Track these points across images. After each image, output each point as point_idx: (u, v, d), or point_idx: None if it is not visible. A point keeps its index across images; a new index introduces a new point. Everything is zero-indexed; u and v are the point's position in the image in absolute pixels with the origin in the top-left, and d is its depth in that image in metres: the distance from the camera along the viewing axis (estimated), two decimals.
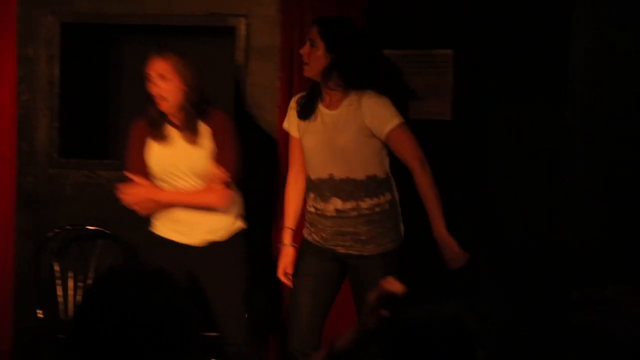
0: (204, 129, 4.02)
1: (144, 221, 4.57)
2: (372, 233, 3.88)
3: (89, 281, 4.71)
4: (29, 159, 4.91)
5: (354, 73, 3.89)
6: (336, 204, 3.89)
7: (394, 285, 2.16)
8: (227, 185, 4.05)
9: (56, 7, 4.82)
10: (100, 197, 4.85)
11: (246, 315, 4.20)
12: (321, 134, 3.90)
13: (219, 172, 4.04)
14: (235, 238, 4.17)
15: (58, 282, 4.78)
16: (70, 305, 4.75)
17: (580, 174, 4.52)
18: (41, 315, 4.75)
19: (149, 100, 4.03)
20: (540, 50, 4.48)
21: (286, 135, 4.22)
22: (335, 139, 3.87)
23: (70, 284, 4.77)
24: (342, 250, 3.93)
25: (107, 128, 5.25)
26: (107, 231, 4.76)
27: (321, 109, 3.91)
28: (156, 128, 4.07)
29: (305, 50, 3.89)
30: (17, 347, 4.87)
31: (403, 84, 4.50)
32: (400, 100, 4.16)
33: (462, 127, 4.54)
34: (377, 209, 3.88)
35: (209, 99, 4.07)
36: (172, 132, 4.05)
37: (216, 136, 4.05)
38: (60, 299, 4.78)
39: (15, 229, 4.88)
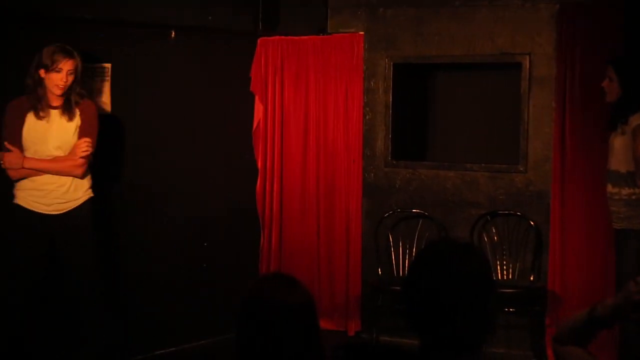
0: (77, 112, 4.72)
1: (447, 205, 5.73)
2: (628, 213, 4.83)
3: (414, 249, 5.89)
4: (371, 161, 6.08)
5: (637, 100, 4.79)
6: (609, 188, 4.90)
7: None
8: (85, 157, 4.71)
9: (390, 52, 6.00)
10: (421, 188, 5.95)
11: (98, 278, 4.77)
12: (612, 136, 4.88)
13: (83, 145, 4.70)
14: (85, 204, 4.78)
15: (392, 249, 6.01)
16: (401, 266, 5.95)
17: None
18: (380, 273, 5.98)
19: (36, 85, 4.62)
20: None
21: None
22: (612, 141, 4.89)
23: (400, 250, 5.99)
24: (613, 226, 4.93)
25: (425, 138, 6.40)
26: (426, 213, 5.89)
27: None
28: (38, 107, 4.64)
29: (605, 83, 4.92)
30: (364, 294, 6.02)
31: None
32: None
33: None
34: (633, 197, 4.80)
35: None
36: (51, 112, 4.67)
37: (83, 119, 4.73)
38: (394, 261, 5.98)
39: (362, 211, 6.08)
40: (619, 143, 4.86)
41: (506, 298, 5.44)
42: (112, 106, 5.41)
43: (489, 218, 5.80)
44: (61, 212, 4.76)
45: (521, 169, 5.74)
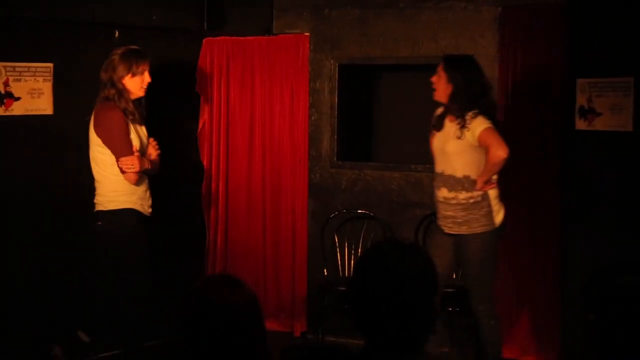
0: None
1: (392, 205, 5.70)
2: (466, 218, 4.75)
3: (360, 250, 5.91)
4: (317, 161, 6.12)
5: (467, 98, 4.67)
6: (444, 193, 4.82)
7: None
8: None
9: (335, 53, 6.05)
10: (367, 189, 6.00)
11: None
12: (441, 141, 4.79)
13: (155, 145, 4.96)
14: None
15: (337, 249, 6.03)
16: (346, 266, 5.98)
17: None
18: (326, 273, 5.99)
19: (122, 93, 4.73)
20: None
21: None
22: (445, 146, 4.78)
23: (346, 251, 6.02)
24: (446, 230, 4.84)
25: (371, 139, 6.44)
26: (371, 214, 5.93)
27: (446, 122, 4.77)
28: (129, 113, 4.78)
29: (434, 78, 4.79)
30: (310, 295, 6.07)
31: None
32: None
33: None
34: (471, 200, 4.71)
35: None
36: (137, 117, 4.87)
37: (145, 122, 4.93)
38: (340, 262, 6.02)
39: (307, 211, 6.10)
40: (454, 147, 4.75)
41: (449, 297, 5.47)
42: (54, 107, 5.34)
43: (434, 218, 5.65)
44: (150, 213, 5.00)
45: None
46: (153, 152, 4.96)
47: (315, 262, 6.10)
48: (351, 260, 6.01)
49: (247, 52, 6.16)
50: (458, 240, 4.82)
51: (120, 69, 4.78)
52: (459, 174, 4.75)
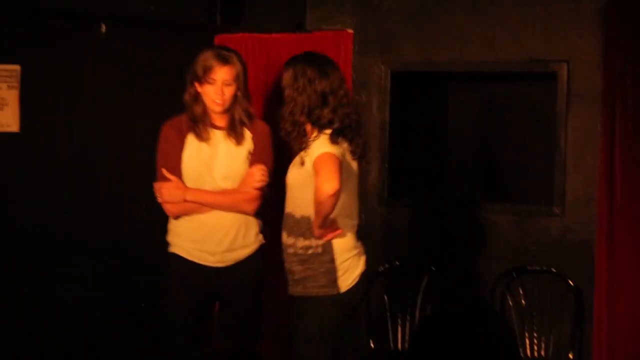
0: (247, 134, 4.69)
1: (460, 256, 5.48)
2: (302, 274, 4.34)
3: (417, 315, 5.66)
4: (362, 198, 5.41)
5: (299, 111, 4.38)
6: (283, 237, 4.40)
7: None
8: (261, 190, 4.64)
9: (387, 57, 5.85)
10: (426, 235, 5.84)
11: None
12: (289, 169, 4.45)
13: (257, 174, 4.66)
14: (257, 253, 4.78)
15: (388, 314, 5.75)
16: (399, 337, 5.76)
17: None
18: (373, 346, 5.77)
19: (193, 101, 4.69)
20: None
21: None
22: (288, 174, 4.41)
23: (399, 316, 5.75)
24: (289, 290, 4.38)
25: (432, 168, 6.23)
26: (433, 268, 5.64)
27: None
28: (198, 128, 4.67)
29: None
30: None
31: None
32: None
33: None
34: (309, 251, 4.32)
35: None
36: (215, 134, 4.68)
37: (257, 142, 4.69)
38: (390, 330, 5.78)
39: None
40: (293, 177, 4.40)
41: None
42: (21, 123, 5.26)
43: (515, 275, 5.67)
44: (228, 264, 4.75)
45: (557, 211, 5.70)
46: (250, 183, 4.70)
47: (358, 330, 5.84)
48: (405, 328, 5.81)
49: (271, 54, 5.96)
50: (297, 303, 4.42)
51: (191, 71, 4.74)
52: (298, 213, 4.37)
